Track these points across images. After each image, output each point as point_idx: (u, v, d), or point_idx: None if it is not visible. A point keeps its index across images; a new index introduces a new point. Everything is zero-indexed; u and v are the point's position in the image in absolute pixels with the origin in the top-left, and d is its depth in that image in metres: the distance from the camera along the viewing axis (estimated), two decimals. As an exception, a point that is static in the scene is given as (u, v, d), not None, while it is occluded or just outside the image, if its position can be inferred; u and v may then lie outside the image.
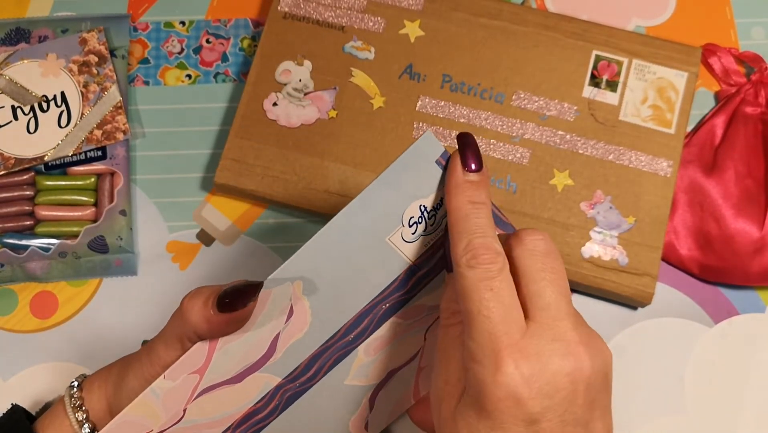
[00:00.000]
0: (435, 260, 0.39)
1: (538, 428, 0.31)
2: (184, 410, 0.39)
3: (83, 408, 0.41)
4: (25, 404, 0.48)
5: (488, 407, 0.31)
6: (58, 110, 0.56)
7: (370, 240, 0.38)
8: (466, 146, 0.37)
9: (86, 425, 0.41)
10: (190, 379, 0.38)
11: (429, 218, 0.38)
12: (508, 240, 0.35)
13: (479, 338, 0.32)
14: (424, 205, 0.38)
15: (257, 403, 0.39)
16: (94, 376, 0.43)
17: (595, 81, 0.56)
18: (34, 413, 0.46)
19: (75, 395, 0.42)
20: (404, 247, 0.38)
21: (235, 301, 0.37)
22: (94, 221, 0.55)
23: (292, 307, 0.38)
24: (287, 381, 0.39)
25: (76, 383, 0.42)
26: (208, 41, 0.61)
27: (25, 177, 0.55)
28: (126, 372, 0.40)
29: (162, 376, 0.38)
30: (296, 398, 0.40)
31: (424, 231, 0.38)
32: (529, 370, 0.31)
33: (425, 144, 0.37)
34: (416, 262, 0.39)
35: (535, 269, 0.34)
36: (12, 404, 0.45)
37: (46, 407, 0.51)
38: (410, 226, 0.38)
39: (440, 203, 0.38)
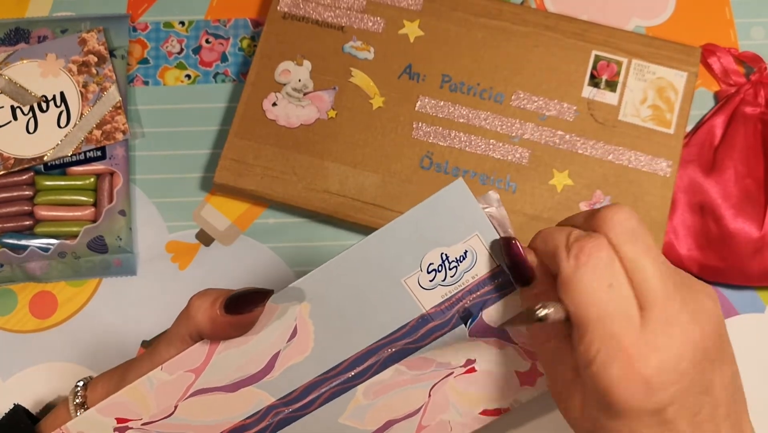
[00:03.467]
0: (450, 315, 0.38)
1: (666, 417, 0.32)
2: (175, 407, 0.39)
3: (85, 406, 0.41)
4: (25, 404, 0.48)
5: (619, 407, 0.32)
6: (58, 110, 0.56)
7: (385, 277, 0.37)
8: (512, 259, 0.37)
9: None
10: (186, 376, 0.38)
11: (450, 269, 0.37)
12: (591, 223, 0.34)
13: (599, 341, 0.32)
14: (446, 254, 0.36)
15: (248, 418, 0.39)
16: (98, 377, 0.43)
17: (594, 81, 0.56)
18: (35, 414, 0.46)
19: (79, 393, 0.42)
20: (419, 292, 0.37)
21: (242, 304, 0.37)
22: (94, 221, 0.55)
23: (296, 327, 0.38)
24: (281, 403, 0.39)
25: (81, 384, 0.43)
26: (207, 41, 0.61)
27: (24, 177, 0.55)
28: (128, 372, 0.41)
29: (159, 367, 0.38)
30: (288, 423, 0.39)
31: (442, 281, 0.37)
32: (656, 362, 0.31)
33: (456, 192, 0.35)
34: (430, 311, 0.38)
35: (636, 254, 0.32)
36: (14, 404, 0.45)
37: (47, 408, 0.51)
38: (428, 272, 0.37)
39: (464, 256, 0.36)
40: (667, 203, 0.53)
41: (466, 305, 0.38)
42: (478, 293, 0.38)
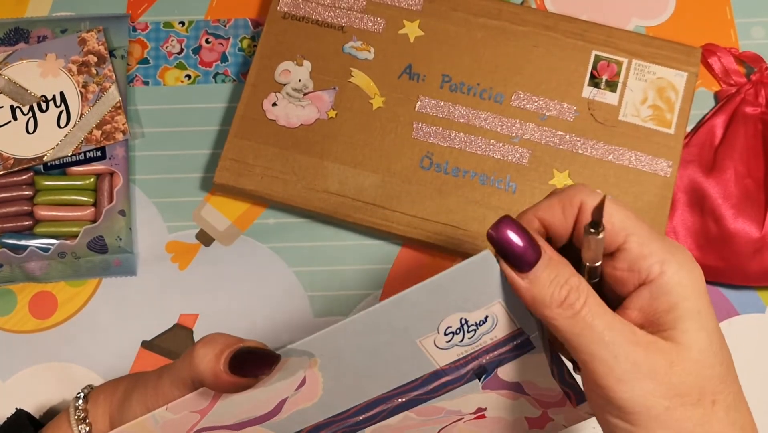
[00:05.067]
0: (465, 371, 0.37)
1: None
2: None
3: (87, 421, 0.40)
4: (25, 404, 0.48)
5: None
6: (57, 110, 0.56)
7: (400, 338, 0.36)
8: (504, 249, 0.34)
9: None
10: (191, 416, 0.38)
11: (468, 331, 0.36)
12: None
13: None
14: (465, 319, 0.35)
15: None
16: (100, 389, 0.42)
17: (594, 81, 0.56)
18: (37, 417, 0.46)
19: (80, 407, 0.41)
20: (434, 352, 0.36)
21: (248, 367, 0.36)
22: (94, 221, 0.55)
23: (305, 379, 0.37)
24: None
25: (82, 395, 0.42)
26: (207, 41, 0.61)
27: (24, 177, 0.55)
28: (132, 393, 0.40)
29: (164, 407, 0.38)
30: None
31: (459, 342, 0.36)
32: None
33: (481, 264, 0.34)
34: (443, 367, 0.37)
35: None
36: (16, 409, 0.45)
37: (50, 411, 0.51)
38: (446, 335, 0.36)
39: (484, 320, 0.36)
40: (667, 203, 0.53)
41: (482, 363, 0.37)
42: (495, 353, 0.37)
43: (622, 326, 0.32)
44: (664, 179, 0.54)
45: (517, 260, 0.33)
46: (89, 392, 0.42)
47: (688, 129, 0.57)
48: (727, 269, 0.54)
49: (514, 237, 0.33)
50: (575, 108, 0.55)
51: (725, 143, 0.56)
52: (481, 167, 0.54)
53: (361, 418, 0.39)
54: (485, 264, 0.34)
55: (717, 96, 0.59)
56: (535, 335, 0.36)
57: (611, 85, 0.55)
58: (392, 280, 0.55)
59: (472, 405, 0.39)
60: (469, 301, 0.35)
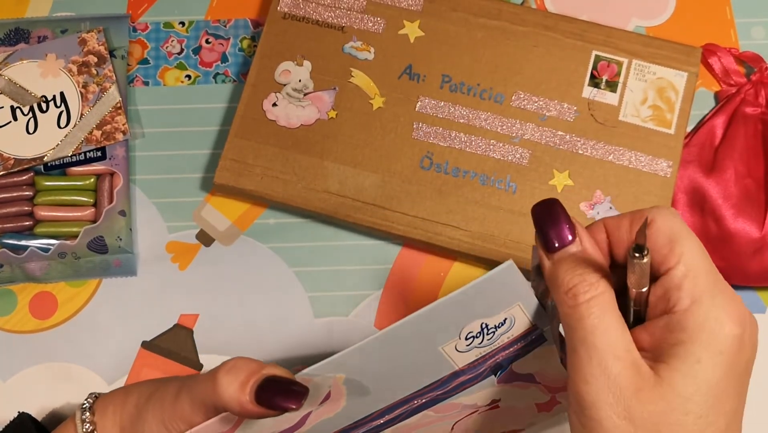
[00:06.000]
0: (482, 369, 0.38)
1: None
2: None
3: None
4: (25, 404, 0.48)
5: None
6: (58, 111, 0.56)
7: (424, 347, 0.36)
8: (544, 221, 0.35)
9: None
10: None
11: (488, 334, 0.36)
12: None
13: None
14: (486, 323, 0.36)
15: None
16: (107, 399, 0.41)
17: (594, 81, 0.56)
18: (39, 419, 0.46)
19: (87, 420, 0.40)
20: (454, 355, 0.37)
21: (276, 399, 0.35)
22: (94, 221, 0.55)
23: (330, 393, 0.37)
24: None
25: (87, 405, 0.41)
26: (207, 41, 0.61)
27: (24, 177, 0.55)
28: (146, 408, 0.39)
29: None
30: None
31: (479, 344, 0.37)
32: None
33: (505, 273, 0.34)
34: (462, 368, 0.38)
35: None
36: (19, 412, 0.45)
37: (52, 414, 0.51)
38: (467, 339, 0.36)
39: (503, 322, 0.36)
40: (668, 204, 0.53)
41: (498, 360, 0.38)
42: (511, 349, 0.38)
43: (617, 337, 0.32)
44: (664, 179, 0.54)
45: (550, 238, 0.34)
46: (95, 402, 0.41)
47: (689, 129, 0.57)
48: (727, 269, 0.54)
49: (555, 216, 0.34)
50: (575, 108, 0.55)
51: (725, 143, 0.56)
52: (481, 167, 0.54)
53: (381, 421, 0.39)
54: (509, 272, 0.34)
55: (717, 96, 0.59)
56: (547, 329, 0.37)
57: (611, 86, 0.55)
58: (392, 280, 0.55)
59: (487, 398, 0.40)
60: (492, 308, 0.36)
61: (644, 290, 0.33)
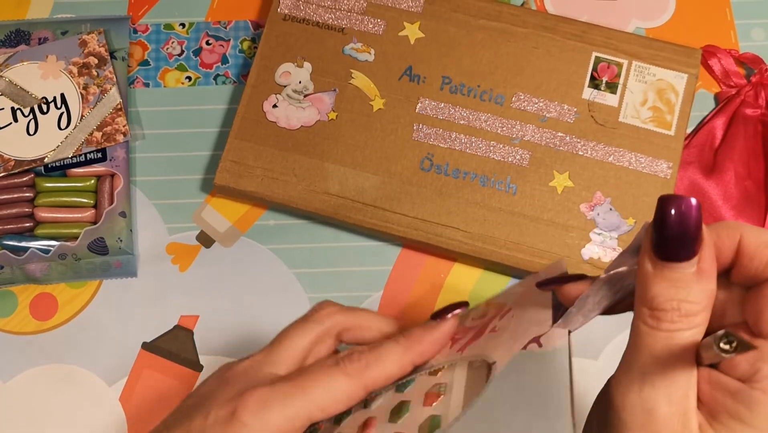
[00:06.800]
0: None
1: None
2: None
3: None
4: (25, 407, 0.48)
5: None
6: (58, 112, 0.56)
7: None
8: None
9: None
10: None
11: None
12: None
13: None
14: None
15: None
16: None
17: (594, 83, 0.56)
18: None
19: None
20: None
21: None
22: (94, 222, 0.55)
23: None
24: None
25: None
26: (208, 43, 0.61)
27: (24, 179, 0.55)
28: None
29: None
30: None
31: None
32: None
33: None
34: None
35: None
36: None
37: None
38: None
39: None
40: (668, 205, 0.53)
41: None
42: None
43: (682, 379, 0.29)
44: (664, 181, 0.54)
45: (670, 247, 0.28)
46: None
47: (688, 130, 0.57)
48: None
49: (689, 226, 0.28)
50: (575, 109, 0.55)
51: (725, 145, 0.56)
52: (481, 169, 0.54)
53: None
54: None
55: (717, 97, 0.59)
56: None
57: (611, 87, 0.55)
58: (393, 281, 0.56)
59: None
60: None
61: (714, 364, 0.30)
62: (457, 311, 0.37)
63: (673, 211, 0.28)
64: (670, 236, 0.28)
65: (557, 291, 0.34)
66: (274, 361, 0.36)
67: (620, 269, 0.31)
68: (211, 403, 0.34)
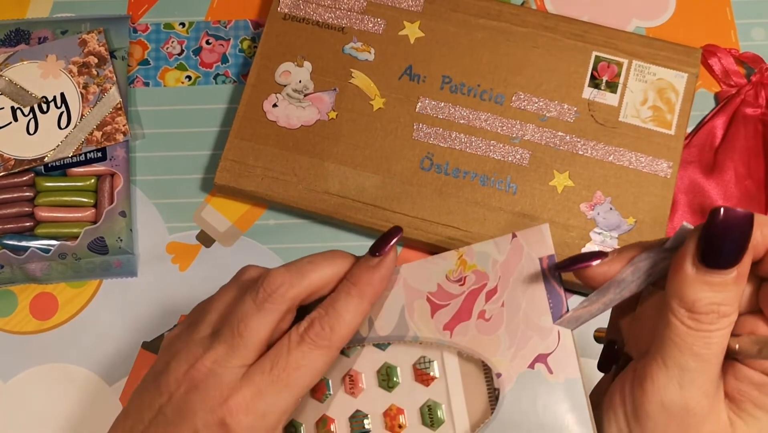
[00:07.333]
0: None
1: None
2: None
3: None
4: (25, 406, 0.48)
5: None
6: (58, 111, 0.56)
7: None
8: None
9: None
10: None
11: None
12: None
13: None
14: None
15: None
16: None
17: (594, 82, 0.56)
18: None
19: None
20: None
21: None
22: (94, 222, 0.55)
23: None
24: None
25: None
26: (207, 42, 0.61)
27: (24, 178, 0.55)
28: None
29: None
30: None
31: None
32: None
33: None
34: None
35: None
36: None
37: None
38: None
39: None
40: (668, 204, 0.53)
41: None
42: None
43: (714, 373, 0.31)
44: (665, 180, 0.54)
45: (718, 257, 0.29)
46: None
47: (689, 130, 0.57)
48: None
49: (738, 237, 0.29)
50: (575, 109, 0.55)
51: (725, 144, 0.56)
52: (481, 168, 0.54)
53: None
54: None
55: (717, 97, 0.59)
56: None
57: (611, 86, 0.55)
58: (393, 281, 0.55)
59: None
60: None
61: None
62: (394, 241, 0.37)
63: (726, 224, 0.29)
64: (721, 248, 0.29)
65: (579, 274, 0.33)
66: (242, 354, 0.35)
67: (649, 258, 0.32)
68: (193, 414, 0.34)
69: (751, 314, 0.32)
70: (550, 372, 0.35)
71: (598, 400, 0.35)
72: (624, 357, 0.36)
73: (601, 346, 0.39)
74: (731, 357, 0.31)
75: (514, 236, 0.37)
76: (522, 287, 0.37)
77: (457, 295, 0.38)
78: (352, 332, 0.36)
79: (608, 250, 0.34)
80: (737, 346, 0.31)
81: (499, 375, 0.36)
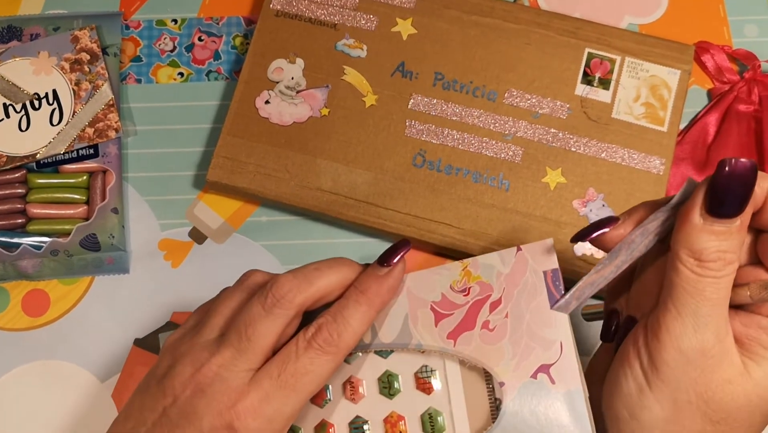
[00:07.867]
0: None
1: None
2: None
3: None
4: (17, 403, 0.48)
5: None
6: (50, 108, 0.56)
7: None
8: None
9: None
10: None
11: None
12: None
13: None
14: None
15: None
16: None
17: (587, 79, 0.55)
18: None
19: None
20: None
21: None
22: (86, 219, 0.55)
23: None
24: None
25: None
26: (200, 39, 0.60)
27: (16, 175, 0.55)
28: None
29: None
30: None
31: None
32: None
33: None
34: None
35: None
36: None
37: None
38: None
39: None
40: (660, 201, 0.53)
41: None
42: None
43: (726, 319, 0.33)
44: (657, 177, 0.54)
45: (725, 207, 0.32)
46: None
47: (681, 127, 0.57)
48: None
49: (741, 187, 0.31)
50: (568, 106, 0.55)
51: (718, 141, 0.56)
52: (474, 165, 0.54)
53: None
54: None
55: (710, 94, 0.59)
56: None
57: (604, 83, 0.55)
58: (385, 278, 0.55)
59: None
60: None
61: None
62: (403, 252, 0.38)
63: (733, 174, 0.31)
64: (728, 197, 0.31)
65: (596, 240, 0.35)
66: (249, 358, 0.35)
67: (657, 218, 0.35)
68: (199, 418, 0.34)
69: (751, 266, 0.35)
70: (553, 382, 0.36)
71: (595, 377, 0.36)
72: (626, 323, 0.37)
73: (589, 324, 0.40)
74: (738, 305, 0.34)
75: (519, 249, 0.38)
76: (526, 300, 0.37)
77: (462, 305, 0.38)
78: (358, 339, 0.37)
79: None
80: (748, 292, 0.33)
81: (501, 384, 0.36)
